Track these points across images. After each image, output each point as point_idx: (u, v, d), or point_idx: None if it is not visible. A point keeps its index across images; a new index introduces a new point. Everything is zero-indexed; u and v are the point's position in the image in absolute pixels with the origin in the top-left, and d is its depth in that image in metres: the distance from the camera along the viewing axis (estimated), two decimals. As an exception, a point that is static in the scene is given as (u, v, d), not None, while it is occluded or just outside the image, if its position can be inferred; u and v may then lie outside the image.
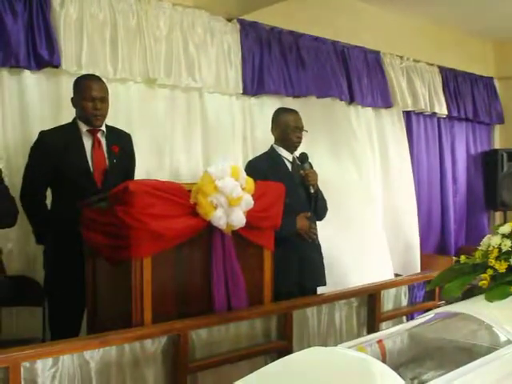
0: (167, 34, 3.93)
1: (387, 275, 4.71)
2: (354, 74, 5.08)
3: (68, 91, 3.22)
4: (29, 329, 3.25)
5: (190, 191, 2.62)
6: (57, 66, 3.43)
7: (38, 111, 3.44)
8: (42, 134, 3.04)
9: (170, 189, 2.58)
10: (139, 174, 3.60)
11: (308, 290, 3.43)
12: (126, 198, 2.46)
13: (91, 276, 2.82)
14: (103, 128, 3.10)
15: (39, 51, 3.34)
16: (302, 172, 3.48)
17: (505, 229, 2.69)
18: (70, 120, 3.13)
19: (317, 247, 3.55)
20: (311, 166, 3.58)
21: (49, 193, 3.12)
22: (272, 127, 3.64)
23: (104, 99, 3.06)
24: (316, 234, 3.51)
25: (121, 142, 3.17)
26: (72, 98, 3.09)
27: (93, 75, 3.20)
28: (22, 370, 2.07)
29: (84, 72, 3.46)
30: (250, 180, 2.77)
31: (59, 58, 3.41)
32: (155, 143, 3.90)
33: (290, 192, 3.31)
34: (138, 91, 3.83)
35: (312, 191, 3.47)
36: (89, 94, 3.01)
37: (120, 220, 2.47)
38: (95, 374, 2.27)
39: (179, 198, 2.58)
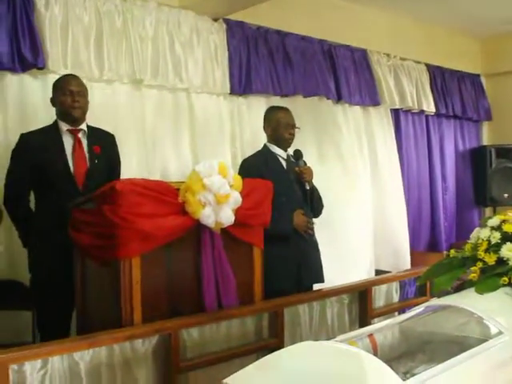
0: (153, 35, 3.92)
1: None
2: (341, 73, 5.08)
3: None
4: (19, 333, 3.22)
5: (178, 190, 2.60)
6: (42, 68, 3.40)
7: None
8: (22, 136, 3.01)
9: (157, 187, 2.57)
10: (128, 174, 3.59)
11: (305, 287, 3.41)
12: (113, 198, 2.44)
13: (80, 277, 2.79)
14: (84, 128, 3.07)
15: (24, 53, 3.31)
16: (296, 169, 3.48)
17: (494, 221, 2.69)
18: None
19: (314, 244, 3.54)
20: (305, 163, 3.58)
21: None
22: (264, 125, 3.63)
23: (82, 93, 3.03)
24: (313, 230, 3.50)
25: (103, 143, 3.13)
26: (51, 99, 3.08)
27: (71, 74, 3.18)
28: (10, 372, 2.04)
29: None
30: (238, 177, 2.76)
31: (44, 59, 3.39)
32: (143, 144, 3.88)
33: (286, 189, 3.31)
34: (125, 92, 3.81)
35: (307, 188, 3.47)
36: (67, 88, 2.99)
37: (107, 220, 2.45)
38: (85, 375, 2.24)
39: (167, 196, 2.56)
